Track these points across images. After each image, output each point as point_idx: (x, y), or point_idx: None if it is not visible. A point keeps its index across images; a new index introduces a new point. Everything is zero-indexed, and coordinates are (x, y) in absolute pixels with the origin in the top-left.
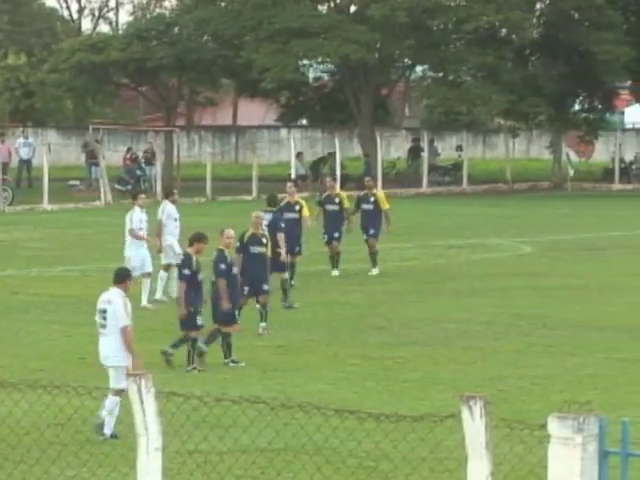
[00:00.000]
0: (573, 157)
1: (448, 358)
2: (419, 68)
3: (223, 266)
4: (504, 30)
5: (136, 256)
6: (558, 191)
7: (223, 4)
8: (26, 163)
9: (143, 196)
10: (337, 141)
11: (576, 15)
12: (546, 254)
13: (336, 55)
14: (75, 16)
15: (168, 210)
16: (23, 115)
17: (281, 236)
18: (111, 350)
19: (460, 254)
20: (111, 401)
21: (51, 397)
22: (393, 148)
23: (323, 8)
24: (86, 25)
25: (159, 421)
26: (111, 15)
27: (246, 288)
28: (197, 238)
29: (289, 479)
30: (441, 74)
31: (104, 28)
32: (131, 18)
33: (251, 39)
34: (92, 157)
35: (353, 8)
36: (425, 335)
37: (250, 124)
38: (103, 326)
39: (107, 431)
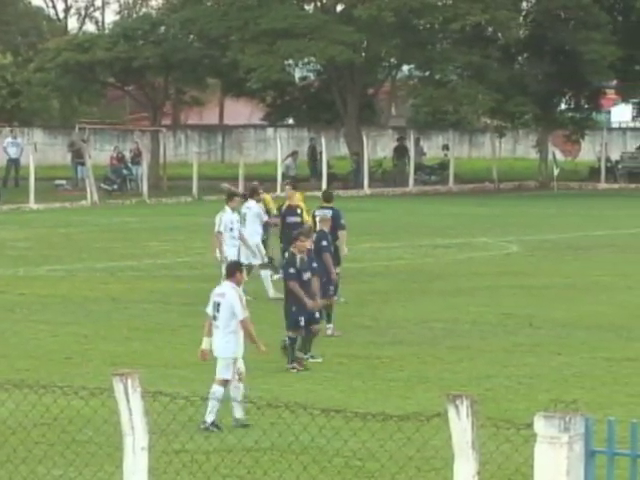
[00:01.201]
0: (559, 156)
1: (435, 357)
2: (405, 67)
3: (292, 270)
4: (490, 29)
5: (233, 256)
6: (544, 190)
7: (209, 4)
8: (14, 162)
9: (238, 198)
10: (323, 140)
11: (562, 14)
12: (532, 253)
13: (322, 56)
14: (61, 15)
15: (254, 210)
16: (9, 114)
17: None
18: (220, 342)
19: (447, 253)
20: (215, 390)
21: (37, 397)
22: (379, 147)
23: (309, 8)
24: (72, 24)
25: (145, 420)
26: (97, 14)
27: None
28: (296, 237)
29: (275, 478)
30: (427, 73)
31: (90, 27)
32: (117, 17)
33: (237, 39)
34: (78, 156)
35: (339, 8)
36: (412, 334)
37: (236, 123)
38: (216, 319)
39: (208, 419)
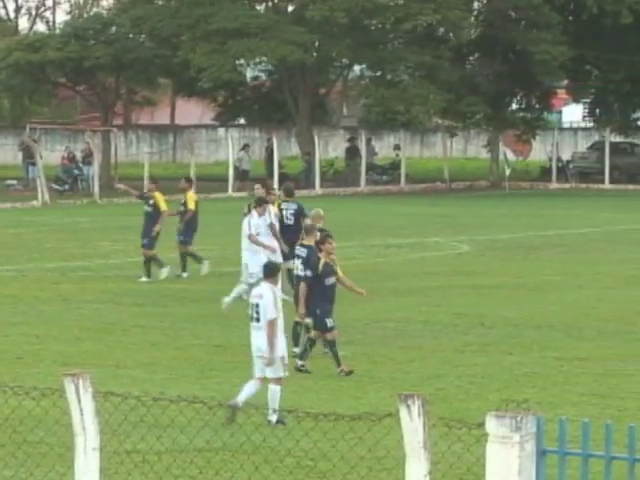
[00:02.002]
0: (510, 156)
1: (386, 357)
2: (357, 68)
3: (309, 273)
4: (442, 29)
5: (254, 262)
6: (496, 190)
7: (160, 2)
8: None
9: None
10: (275, 140)
11: (514, 14)
12: (484, 253)
13: (274, 56)
14: (12, 15)
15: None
16: None
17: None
18: (263, 342)
19: (399, 253)
20: (273, 390)
21: None
22: (331, 147)
23: (261, 8)
24: (23, 24)
25: (97, 421)
26: (48, 14)
27: None
28: (322, 240)
29: (227, 479)
30: (379, 73)
31: (41, 27)
32: (68, 17)
33: (188, 38)
34: (29, 157)
35: (291, 8)
36: (363, 334)
37: (188, 123)
38: (257, 320)
39: (272, 418)
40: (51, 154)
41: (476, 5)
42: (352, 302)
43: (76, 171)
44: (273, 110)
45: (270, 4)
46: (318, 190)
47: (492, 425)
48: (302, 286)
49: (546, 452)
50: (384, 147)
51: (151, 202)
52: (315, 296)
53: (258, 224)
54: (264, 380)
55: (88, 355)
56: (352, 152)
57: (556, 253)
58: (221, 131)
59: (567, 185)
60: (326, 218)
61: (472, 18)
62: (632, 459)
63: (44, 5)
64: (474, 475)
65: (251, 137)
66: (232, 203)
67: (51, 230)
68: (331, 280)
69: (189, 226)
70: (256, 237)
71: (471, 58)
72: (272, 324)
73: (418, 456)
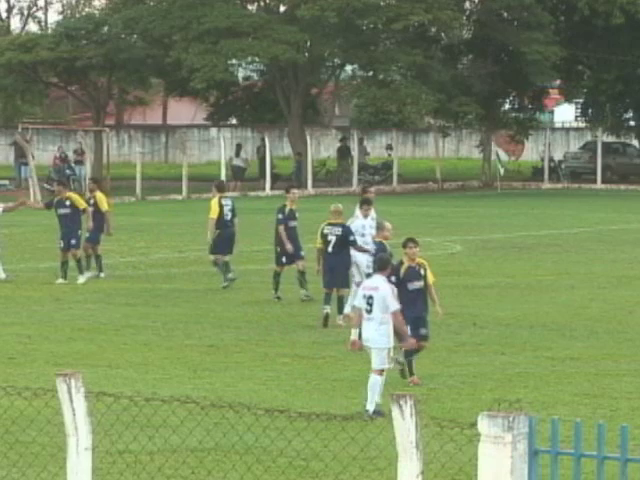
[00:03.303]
0: (503, 156)
1: None
2: (349, 67)
3: (393, 279)
4: (434, 29)
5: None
6: (488, 190)
7: (152, 3)
8: None
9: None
10: (267, 140)
11: (506, 15)
12: (476, 253)
13: (265, 55)
14: (4, 15)
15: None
16: None
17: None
18: (374, 333)
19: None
20: (375, 380)
21: None
22: (323, 147)
23: (252, 8)
24: (15, 24)
25: (89, 421)
26: (40, 14)
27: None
28: (403, 244)
29: (219, 479)
30: (371, 73)
31: (33, 27)
32: (60, 17)
33: (180, 38)
34: (21, 156)
35: (282, 8)
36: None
37: (180, 123)
38: (369, 311)
39: (370, 407)
40: (43, 154)
41: (468, 5)
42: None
43: (68, 171)
44: (265, 110)
45: (262, 4)
46: (310, 190)
47: (484, 425)
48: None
49: (538, 452)
50: (376, 147)
51: (67, 203)
52: (403, 304)
53: (363, 225)
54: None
55: (80, 355)
56: (343, 152)
57: (548, 253)
58: (213, 131)
59: (559, 185)
60: (318, 218)
61: (464, 18)
62: (624, 459)
63: (36, 5)
64: (466, 475)
65: (243, 137)
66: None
67: (43, 230)
68: (415, 285)
69: (99, 226)
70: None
71: (463, 58)
72: (396, 315)
73: (410, 456)
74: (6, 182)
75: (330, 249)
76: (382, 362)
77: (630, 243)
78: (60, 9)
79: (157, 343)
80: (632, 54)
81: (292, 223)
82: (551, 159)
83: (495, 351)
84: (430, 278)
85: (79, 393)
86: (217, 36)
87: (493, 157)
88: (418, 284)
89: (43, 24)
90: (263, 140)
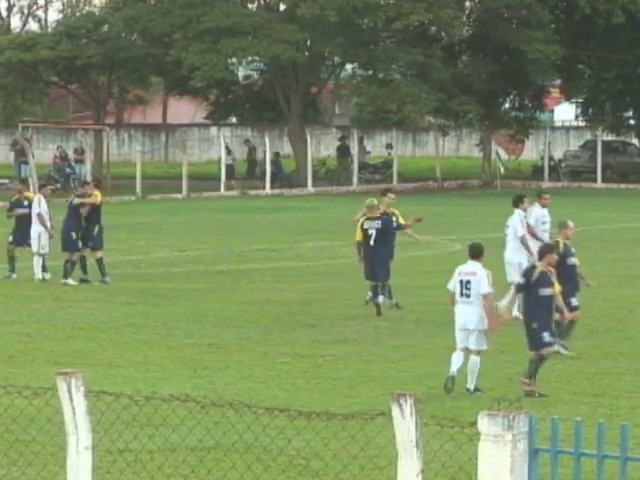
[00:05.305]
0: (503, 155)
1: (379, 356)
2: (349, 66)
3: (522, 281)
4: (434, 28)
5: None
6: (488, 189)
7: (152, 2)
8: None
9: (526, 199)
10: (267, 139)
11: (506, 13)
12: None
13: (266, 54)
14: (4, 14)
15: (536, 214)
16: None
17: None
18: (474, 316)
19: None
20: (474, 361)
21: None
22: (323, 146)
23: (252, 7)
24: (15, 23)
25: (89, 420)
26: (40, 13)
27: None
28: (548, 249)
29: (220, 478)
30: (371, 72)
31: (33, 26)
32: (60, 16)
33: (180, 37)
34: (21, 155)
35: (282, 7)
36: (356, 333)
37: (180, 122)
38: (467, 295)
39: (470, 386)
40: (43, 153)
41: (468, 4)
42: (344, 301)
43: (68, 170)
44: (265, 109)
45: (262, 2)
46: (310, 189)
47: (484, 424)
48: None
49: (538, 451)
50: (376, 146)
51: (25, 203)
52: (530, 307)
53: (544, 214)
54: (466, 350)
55: (80, 354)
56: (343, 151)
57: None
58: (213, 130)
59: (559, 184)
60: (318, 217)
61: (464, 17)
62: (624, 458)
63: (36, 4)
64: (466, 474)
65: (243, 136)
66: (224, 202)
67: None
68: (547, 291)
69: (27, 227)
70: (526, 240)
71: (463, 57)
72: (488, 298)
73: (410, 455)
74: (6, 181)
75: (372, 242)
76: (481, 343)
77: (630, 242)
78: (60, 8)
79: (157, 342)
80: (632, 53)
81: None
82: (551, 158)
83: (495, 350)
84: (557, 287)
85: (79, 392)
86: (217, 35)
87: (493, 156)
88: (548, 291)
89: (43, 23)
90: (247, 141)
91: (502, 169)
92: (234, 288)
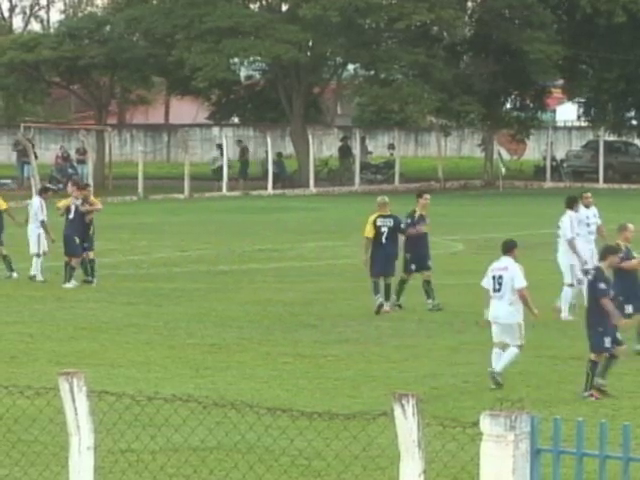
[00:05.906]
0: (505, 155)
1: (381, 356)
2: (351, 67)
3: (603, 285)
4: (436, 28)
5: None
6: (490, 189)
7: (154, 2)
8: None
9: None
10: (269, 139)
11: (508, 13)
12: (478, 252)
13: (268, 55)
14: (6, 14)
15: (579, 215)
16: None
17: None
18: (506, 310)
19: None
20: (514, 352)
21: None
22: (325, 146)
23: (255, 7)
24: (17, 23)
25: (91, 420)
26: (42, 13)
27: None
28: (610, 251)
29: (222, 478)
30: (373, 72)
31: (35, 26)
32: (62, 16)
33: (182, 38)
34: (24, 156)
35: (284, 7)
36: (358, 333)
37: (182, 122)
38: (498, 290)
39: (497, 368)
40: (45, 153)
41: (470, 4)
42: (346, 301)
43: (70, 170)
44: (267, 109)
45: (264, 3)
46: (312, 189)
47: (486, 424)
48: (604, 301)
49: (540, 451)
50: (378, 146)
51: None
52: (592, 311)
53: (587, 215)
54: (502, 345)
55: (82, 354)
56: (344, 151)
57: (550, 252)
58: (215, 130)
59: (561, 184)
60: (320, 217)
61: (466, 17)
62: (626, 458)
63: (38, 4)
64: (468, 474)
65: (245, 136)
66: (226, 202)
67: None
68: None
69: (1, 226)
70: (574, 242)
71: (465, 57)
72: (522, 291)
73: (412, 455)
74: (8, 181)
75: (384, 240)
76: (515, 339)
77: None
78: (62, 8)
79: (159, 342)
80: (634, 53)
81: (423, 229)
82: (553, 158)
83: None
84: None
85: (81, 392)
86: (219, 35)
87: (495, 156)
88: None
89: (45, 23)
90: (240, 142)
91: (503, 169)
92: (236, 288)
